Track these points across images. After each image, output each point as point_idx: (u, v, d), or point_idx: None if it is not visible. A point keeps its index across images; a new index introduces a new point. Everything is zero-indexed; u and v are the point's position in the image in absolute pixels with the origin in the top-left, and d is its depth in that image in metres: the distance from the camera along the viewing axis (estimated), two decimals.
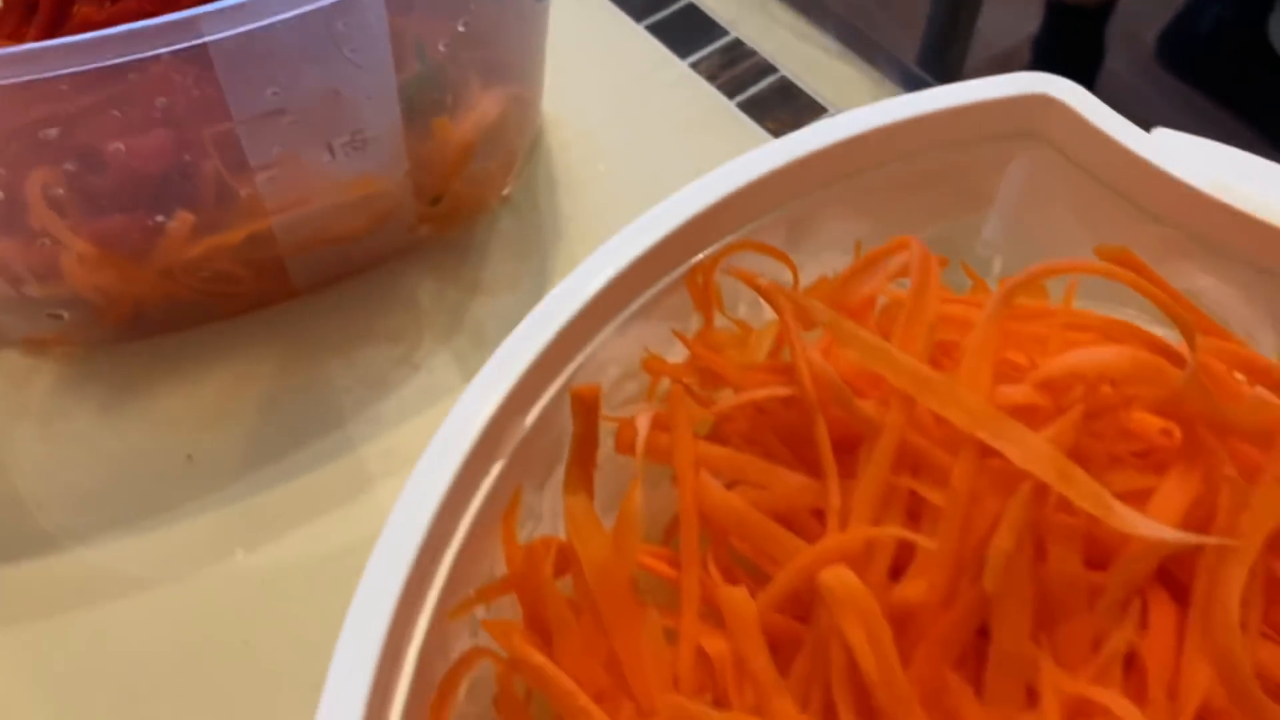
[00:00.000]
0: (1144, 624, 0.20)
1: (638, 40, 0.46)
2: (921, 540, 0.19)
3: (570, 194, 0.42)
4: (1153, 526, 0.18)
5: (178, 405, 0.36)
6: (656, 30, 0.46)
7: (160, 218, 0.33)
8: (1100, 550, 0.20)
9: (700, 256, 0.28)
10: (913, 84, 0.45)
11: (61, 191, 0.31)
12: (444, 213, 0.39)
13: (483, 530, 0.25)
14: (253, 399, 0.37)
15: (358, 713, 0.20)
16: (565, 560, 0.24)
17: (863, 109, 0.29)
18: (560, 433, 0.26)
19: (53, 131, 0.30)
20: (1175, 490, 0.20)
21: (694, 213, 0.27)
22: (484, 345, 0.39)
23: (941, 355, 0.23)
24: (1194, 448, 0.20)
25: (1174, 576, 0.21)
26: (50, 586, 0.33)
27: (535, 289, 0.40)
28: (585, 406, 0.23)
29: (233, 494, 0.35)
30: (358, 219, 0.37)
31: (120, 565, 0.33)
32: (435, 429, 0.35)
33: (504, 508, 0.25)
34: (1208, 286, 0.29)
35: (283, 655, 0.32)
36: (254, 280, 0.37)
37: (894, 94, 0.44)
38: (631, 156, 0.42)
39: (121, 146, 0.30)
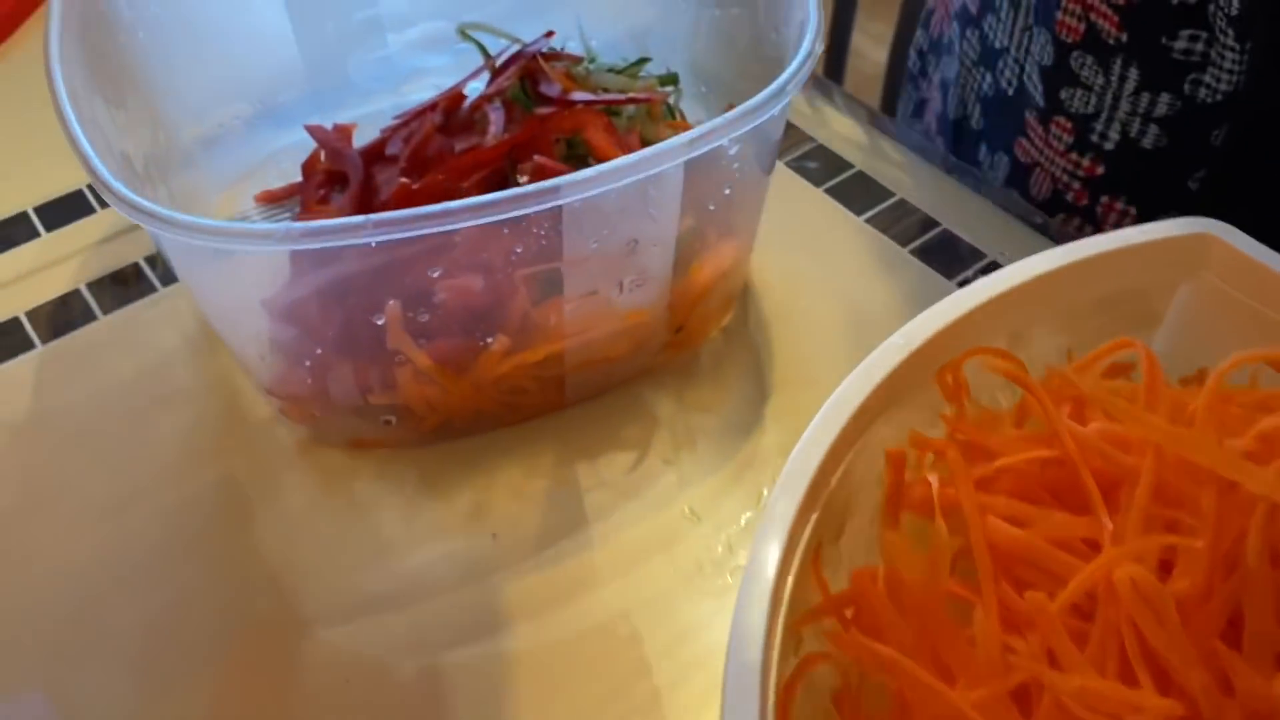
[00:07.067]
0: None
1: (820, 201, 0.55)
2: (1184, 541, 0.26)
3: (777, 326, 0.50)
4: None
5: (477, 496, 0.44)
6: (834, 193, 0.55)
7: (489, 340, 0.41)
8: None
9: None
10: (1049, 232, 0.53)
11: (412, 318, 0.40)
12: (680, 340, 0.48)
13: (801, 570, 0.32)
14: (537, 493, 0.44)
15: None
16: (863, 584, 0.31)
17: (1060, 248, 0.37)
18: (849, 493, 0.33)
19: (409, 274, 0.39)
20: None
21: (940, 328, 0.35)
22: (695, 455, 0.46)
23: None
24: None
25: None
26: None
27: (746, 408, 0.48)
28: (896, 464, 0.31)
29: (524, 568, 0.42)
30: (623, 344, 0.45)
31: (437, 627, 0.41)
32: (659, 527, 0.42)
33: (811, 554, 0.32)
34: None
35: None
36: (539, 393, 0.45)
37: (1040, 241, 0.53)
38: (826, 294, 0.51)
39: (480, 286, 0.39)
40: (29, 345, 0.49)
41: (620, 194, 0.37)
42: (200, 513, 0.43)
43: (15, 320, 0.50)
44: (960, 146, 0.66)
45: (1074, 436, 0.30)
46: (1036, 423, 0.34)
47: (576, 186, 0.36)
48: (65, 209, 0.55)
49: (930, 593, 0.29)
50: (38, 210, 0.55)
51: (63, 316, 0.50)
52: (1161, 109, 0.52)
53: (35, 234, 0.54)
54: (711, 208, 0.43)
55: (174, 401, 0.47)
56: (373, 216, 0.34)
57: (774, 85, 0.38)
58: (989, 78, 0.61)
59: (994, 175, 0.62)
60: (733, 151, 0.40)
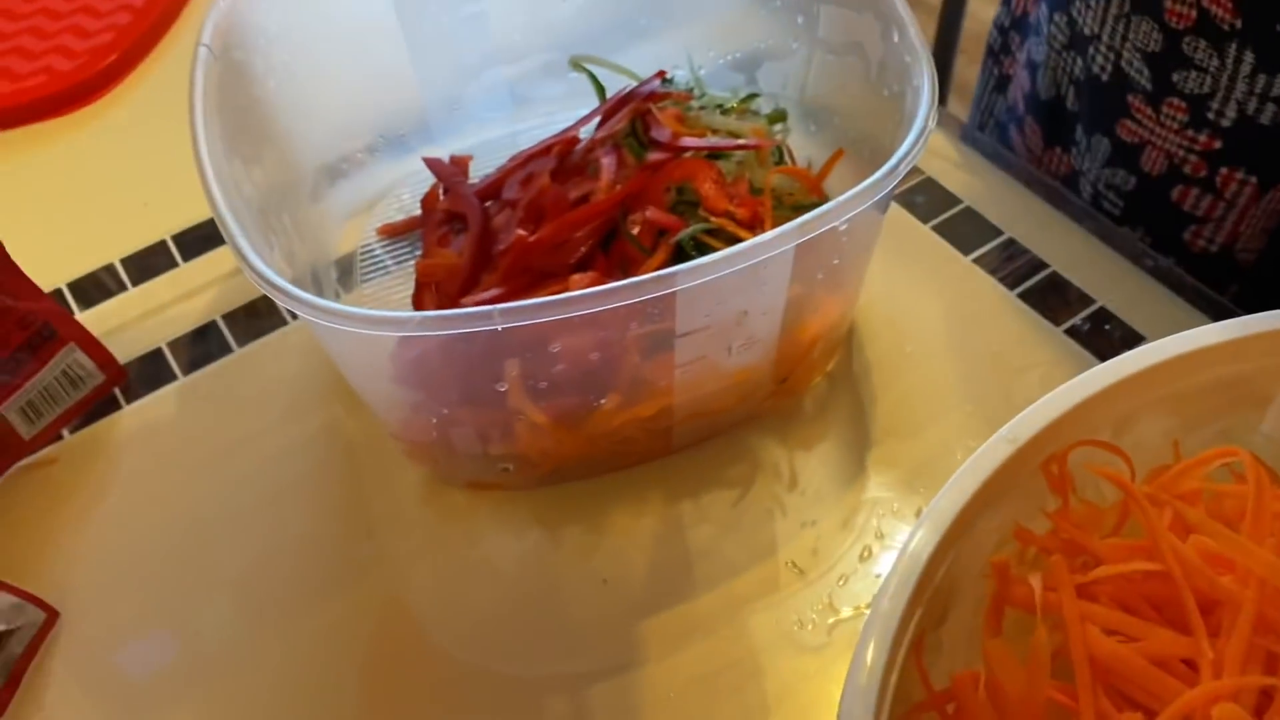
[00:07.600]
0: None
1: (927, 239, 0.55)
2: None
3: (880, 372, 0.51)
4: None
5: (588, 536, 0.46)
6: (941, 230, 0.55)
7: (602, 400, 0.43)
8: None
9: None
10: (1161, 275, 0.53)
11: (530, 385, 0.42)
12: (784, 389, 0.49)
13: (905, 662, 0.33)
14: (644, 532, 0.46)
15: None
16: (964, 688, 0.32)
17: (1173, 338, 0.37)
18: (952, 581, 0.35)
19: (525, 336, 0.41)
20: None
21: (1047, 423, 0.36)
22: (797, 505, 0.47)
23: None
24: None
25: None
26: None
27: (849, 457, 0.49)
28: (1002, 574, 0.32)
29: (637, 612, 0.44)
30: (730, 397, 0.46)
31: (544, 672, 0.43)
32: (762, 578, 0.44)
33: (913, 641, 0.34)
34: None
35: None
36: (646, 442, 0.47)
37: (1150, 285, 0.53)
38: (931, 340, 0.51)
39: (595, 358, 0.41)
40: (171, 376, 0.53)
41: (732, 277, 0.38)
42: (321, 546, 0.46)
43: (158, 351, 0.54)
44: (1053, 126, 0.66)
45: (1176, 556, 0.31)
46: (1138, 524, 0.34)
47: (691, 274, 0.37)
48: (199, 238, 0.58)
49: (1030, 703, 0.30)
50: (175, 238, 0.58)
51: (200, 348, 0.54)
52: (1279, 89, 0.52)
53: (174, 263, 0.57)
54: (820, 276, 0.44)
55: (303, 434, 0.50)
56: (499, 307, 0.36)
57: (888, 164, 0.39)
58: (1080, 62, 0.61)
59: (1092, 155, 0.62)
60: (843, 228, 0.41)
